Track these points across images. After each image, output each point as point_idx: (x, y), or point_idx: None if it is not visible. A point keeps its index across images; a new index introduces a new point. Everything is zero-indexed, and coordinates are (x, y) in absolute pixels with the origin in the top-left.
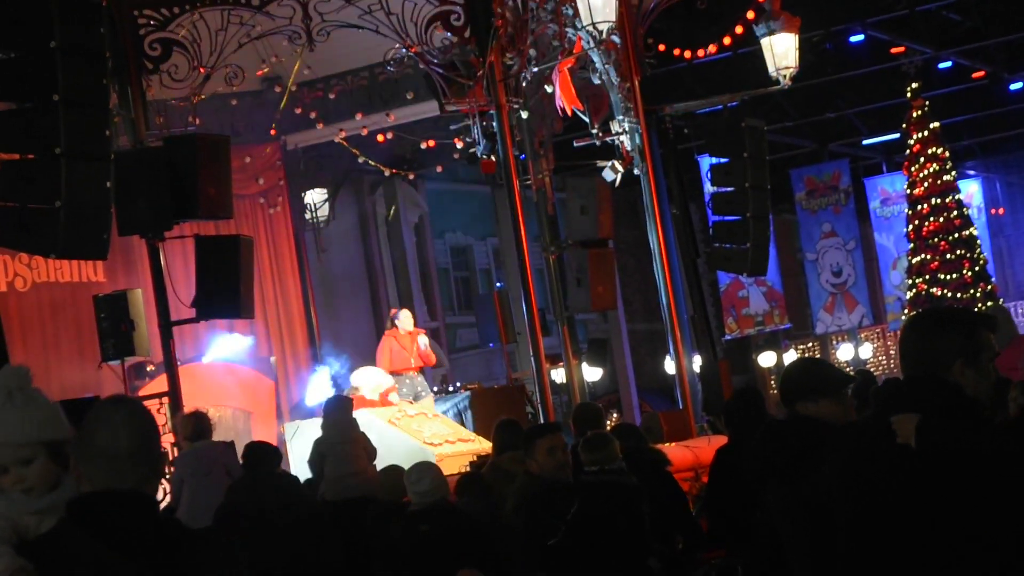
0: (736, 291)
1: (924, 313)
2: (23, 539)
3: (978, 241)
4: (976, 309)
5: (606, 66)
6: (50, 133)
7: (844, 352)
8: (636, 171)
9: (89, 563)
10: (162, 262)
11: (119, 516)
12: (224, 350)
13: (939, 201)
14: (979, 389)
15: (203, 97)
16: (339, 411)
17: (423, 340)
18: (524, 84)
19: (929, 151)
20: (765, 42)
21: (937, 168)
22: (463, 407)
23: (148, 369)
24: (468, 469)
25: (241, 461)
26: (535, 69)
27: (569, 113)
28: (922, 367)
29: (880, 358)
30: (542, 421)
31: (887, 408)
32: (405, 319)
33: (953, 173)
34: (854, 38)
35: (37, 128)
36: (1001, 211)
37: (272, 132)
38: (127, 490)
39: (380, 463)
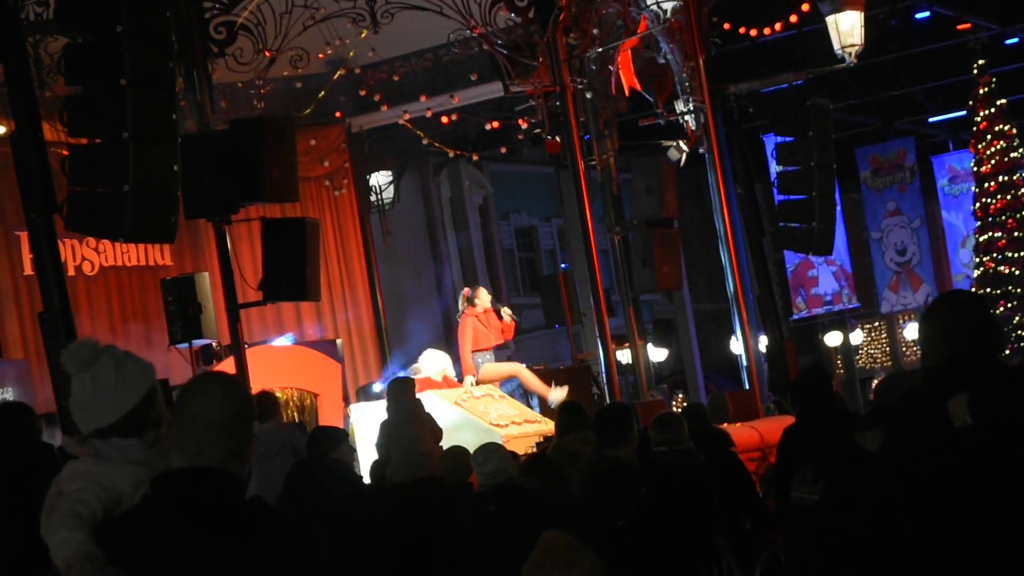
0: (805, 271)
1: (945, 297)
2: (109, 512)
3: None
4: None
5: (670, 45)
6: (117, 117)
7: (911, 331)
8: (701, 150)
9: (172, 543)
10: (228, 245)
11: (204, 494)
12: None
13: (1006, 179)
14: None
15: (272, 86)
16: (402, 393)
17: (506, 312)
18: (588, 64)
19: (996, 128)
20: (830, 19)
21: (1004, 145)
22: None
23: (216, 352)
24: (534, 450)
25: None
26: (599, 49)
27: (627, 93)
28: (959, 345)
29: None
30: (608, 402)
31: (936, 396)
32: (483, 297)
33: (1021, 150)
34: (919, 15)
35: (105, 112)
36: None
37: (337, 115)
38: (213, 467)
39: (446, 444)
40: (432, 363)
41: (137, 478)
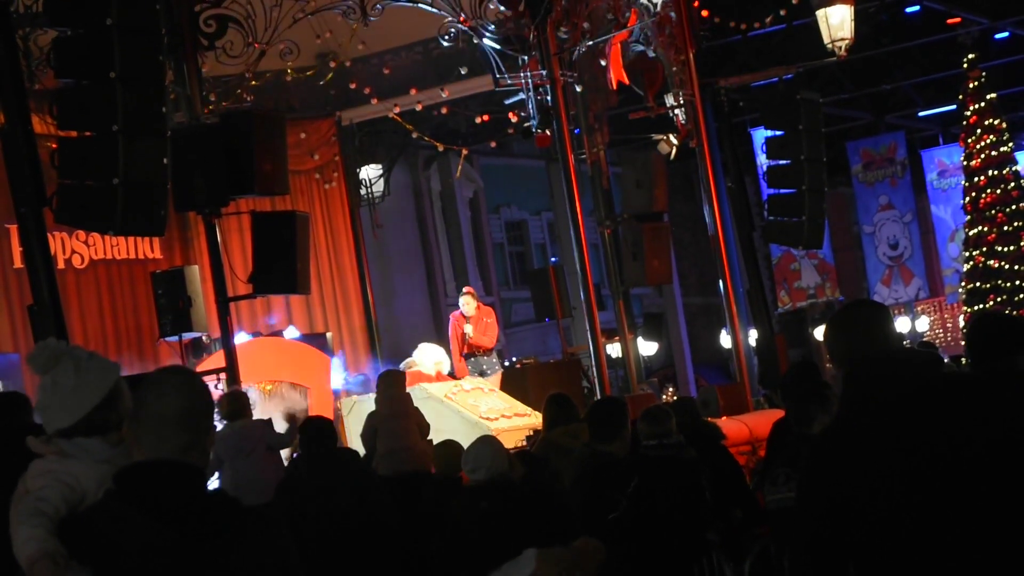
0: (788, 264)
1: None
2: (73, 510)
3: None
4: None
5: (660, 39)
6: (107, 110)
7: (901, 325)
8: (691, 144)
9: (134, 537)
10: (219, 238)
11: (165, 487)
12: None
13: (996, 172)
14: None
15: (264, 75)
16: (392, 386)
17: (468, 328)
18: (578, 58)
19: (986, 122)
20: (820, 13)
21: (994, 139)
22: None
23: (205, 344)
24: (524, 444)
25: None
26: (590, 43)
27: (614, 86)
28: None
29: (937, 331)
30: (598, 396)
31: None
32: (462, 302)
33: (1010, 144)
34: (910, 9)
35: (94, 106)
36: None
37: (327, 108)
38: (173, 460)
39: (436, 438)
40: (426, 356)
41: (102, 477)
